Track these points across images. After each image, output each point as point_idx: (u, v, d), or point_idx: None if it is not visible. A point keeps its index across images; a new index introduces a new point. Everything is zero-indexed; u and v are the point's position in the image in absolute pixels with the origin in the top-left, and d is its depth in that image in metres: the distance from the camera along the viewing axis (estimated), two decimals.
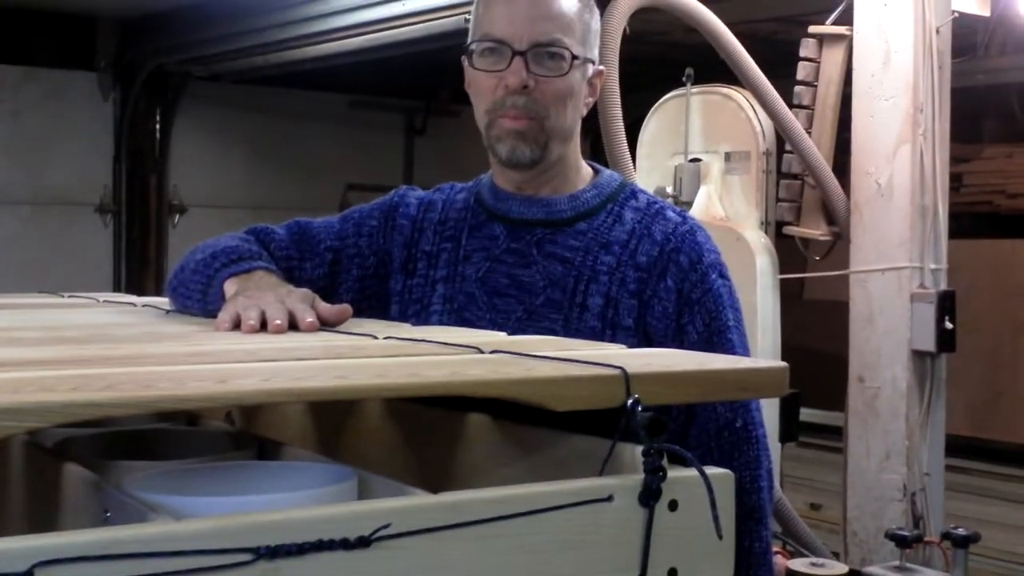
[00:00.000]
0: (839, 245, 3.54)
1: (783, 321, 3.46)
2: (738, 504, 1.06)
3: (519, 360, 1.11)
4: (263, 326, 1.38)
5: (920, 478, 3.17)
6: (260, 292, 1.48)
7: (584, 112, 1.72)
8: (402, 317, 1.72)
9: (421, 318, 1.70)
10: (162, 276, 6.51)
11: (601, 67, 1.73)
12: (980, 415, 5.42)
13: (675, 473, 0.99)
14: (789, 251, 3.73)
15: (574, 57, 1.63)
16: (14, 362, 1.06)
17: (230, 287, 1.54)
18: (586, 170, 1.75)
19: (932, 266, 3.18)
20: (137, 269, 6.59)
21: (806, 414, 3.96)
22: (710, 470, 1.00)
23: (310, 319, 1.40)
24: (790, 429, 3.29)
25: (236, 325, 1.40)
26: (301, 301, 1.45)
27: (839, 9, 3.46)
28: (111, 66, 6.38)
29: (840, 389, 3.44)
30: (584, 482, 0.97)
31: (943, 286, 3.19)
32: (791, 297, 4.38)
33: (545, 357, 1.11)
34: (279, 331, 1.36)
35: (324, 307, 1.47)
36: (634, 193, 1.73)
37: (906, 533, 2.96)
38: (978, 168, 6.04)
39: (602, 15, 3.06)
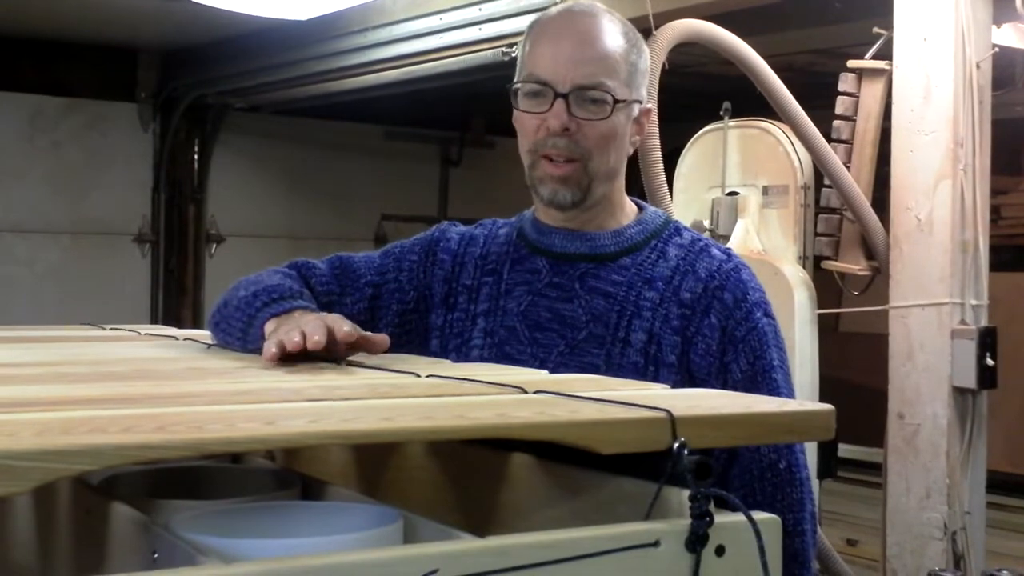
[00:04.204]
0: (877, 279, 3.51)
1: (819, 353, 3.43)
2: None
3: (564, 401, 1.10)
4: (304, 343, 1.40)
5: (961, 517, 3.12)
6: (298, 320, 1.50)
7: (631, 151, 1.71)
8: (443, 351, 1.72)
9: (462, 352, 1.70)
10: (199, 305, 6.54)
11: (649, 106, 1.72)
12: (1020, 450, 5.33)
13: (722, 518, 0.98)
14: (825, 284, 3.70)
15: (617, 101, 1.62)
16: (63, 400, 1.07)
17: (270, 327, 1.55)
18: (630, 207, 1.74)
19: (973, 302, 3.15)
20: (174, 298, 6.63)
21: (842, 449, 3.91)
22: (757, 515, 0.99)
23: (347, 328, 1.42)
24: (828, 465, 3.26)
25: (283, 352, 1.41)
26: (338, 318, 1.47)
27: (878, 43, 3.44)
28: (151, 97, 6.44)
29: (876, 421, 3.40)
30: (631, 527, 0.96)
31: (984, 322, 3.16)
32: (826, 329, 4.34)
33: (590, 398, 1.10)
34: (318, 347, 1.38)
35: (360, 330, 1.48)
36: (678, 230, 1.72)
37: (948, 574, 2.92)
38: (1016, 200, 5.98)
39: None
